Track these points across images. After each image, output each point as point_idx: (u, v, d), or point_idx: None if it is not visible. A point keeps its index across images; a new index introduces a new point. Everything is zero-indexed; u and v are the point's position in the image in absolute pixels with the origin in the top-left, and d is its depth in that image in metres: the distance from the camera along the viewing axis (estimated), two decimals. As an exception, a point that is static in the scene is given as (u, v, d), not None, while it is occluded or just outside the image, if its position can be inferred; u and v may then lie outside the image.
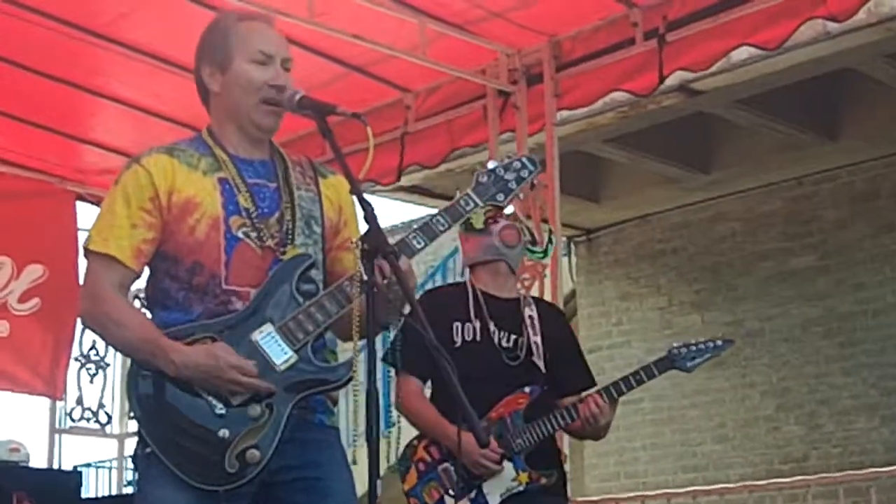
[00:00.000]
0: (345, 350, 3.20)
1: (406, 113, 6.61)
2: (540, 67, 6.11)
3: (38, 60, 6.17)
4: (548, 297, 5.55)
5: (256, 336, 3.03)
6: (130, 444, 3.19)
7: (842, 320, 10.44)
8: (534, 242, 4.72)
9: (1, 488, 6.16)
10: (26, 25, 5.78)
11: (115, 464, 9.63)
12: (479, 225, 4.44)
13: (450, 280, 12.18)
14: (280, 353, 3.02)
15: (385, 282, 2.89)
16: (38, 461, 7.20)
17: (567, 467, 4.64)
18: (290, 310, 3.06)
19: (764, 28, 5.47)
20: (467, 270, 4.59)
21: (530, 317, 4.45)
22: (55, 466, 7.78)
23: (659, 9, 5.74)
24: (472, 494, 4.25)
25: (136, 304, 3.88)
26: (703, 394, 11.02)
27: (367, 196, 2.96)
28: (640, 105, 8.70)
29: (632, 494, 9.89)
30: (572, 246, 12.10)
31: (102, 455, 15.28)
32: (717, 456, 10.99)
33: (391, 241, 2.93)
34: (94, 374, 7.86)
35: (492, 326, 4.39)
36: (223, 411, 2.99)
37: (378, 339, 2.88)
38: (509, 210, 4.37)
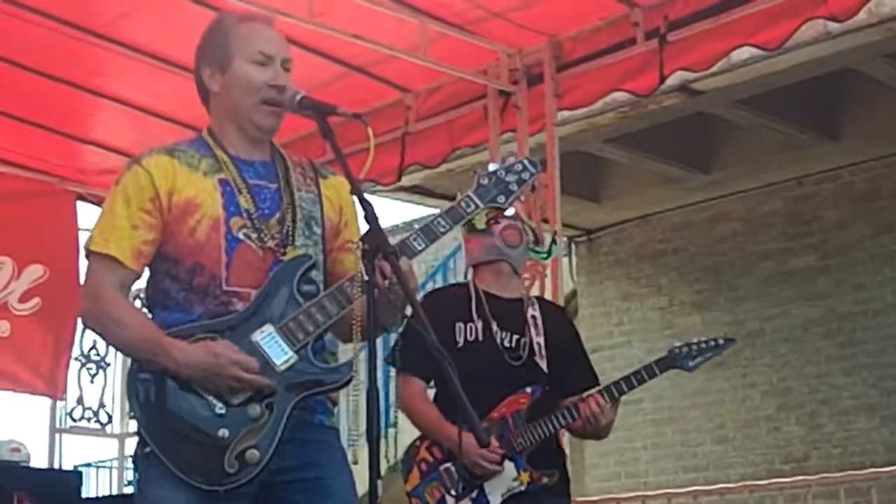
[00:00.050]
0: (345, 350, 3.21)
1: (407, 113, 6.60)
2: (541, 67, 6.11)
3: (38, 60, 6.17)
4: (548, 297, 5.55)
5: (257, 336, 3.03)
6: (131, 444, 3.19)
7: (842, 320, 10.44)
8: (537, 242, 4.72)
9: (2, 488, 6.16)
10: (27, 25, 5.78)
11: (115, 464, 9.62)
12: (481, 225, 4.45)
13: (451, 280, 12.18)
14: (280, 354, 3.02)
15: (386, 282, 2.89)
16: (38, 461, 7.21)
17: (567, 467, 4.63)
18: (290, 310, 3.06)
19: (765, 28, 5.47)
20: (471, 271, 4.60)
21: (533, 317, 4.45)
22: (56, 466, 7.78)
23: (660, 9, 5.74)
24: (474, 494, 4.26)
25: (137, 304, 3.87)
26: (703, 394, 11.02)
27: (367, 196, 2.96)
28: (641, 105, 8.69)
29: (633, 494, 9.89)
30: (573, 246, 12.10)
31: (103, 455, 15.30)
32: (717, 456, 10.98)
33: (392, 241, 2.93)
34: (95, 374, 7.86)
35: (494, 327, 4.39)
36: (223, 411, 2.99)
37: (379, 340, 2.88)
38: (510, 212, 4.37)
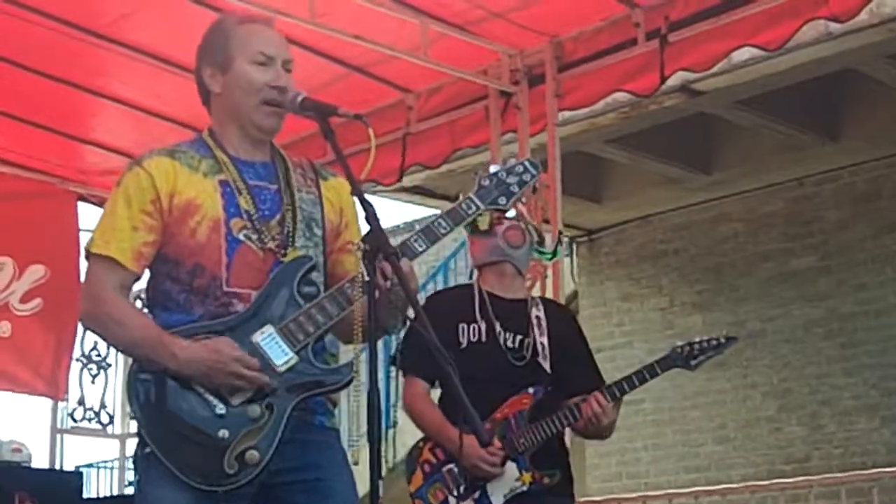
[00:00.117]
0: (346, 351, 3.21)
1: (408, 114, 6.60)
2: (542, 68, 6.11)
3: (39, 61, 6.17)
4: (549, 297, 5.54)
5: (257, 337, 3.03)
6: (132, 445, 3.19)
7: (843, 321, 10.43)
8: (541, 243, 4.72)
9: (3, 489, 6.16)
10: (27, 26, 5.78)
11: (116, 464, 9.62)
12: (484, 227, 4.45)
13: (451, 281, 12.20)
14: (280, 355, 3.03)
15: (387, 283, 2.89)
16: (39, 461, 7.20)
17: (571, 467, 4.63)
18: (290, 312, 3.06)
19: (765, 29, 5.47)
20: (475, 272, 4.60)
21: (537, 317, 4.45)
22: (57, 467, 7.79)
23: (661, 9, 5.73)
24: (476, 495, 4.26)
25: (138, 304, 3.87)
26: (704, 394, 11.02)
27: (368, 197, 2.96)
28: (642, 105, 8.70)
29: (634, 495, 9.89)
30: (574, 246, 12.10)
31: (104, 455, 15.30)
32: (718, 457, 10.98)
33: (393, 242, 2.93)
34: (96, 375, 7.87)
35: (498, 327, 4.39)
36: (223, 411, 2.99)
37: (379, 342, 2.88)
38: (511, 213, 4.37)
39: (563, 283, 6.14)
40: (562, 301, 5.99)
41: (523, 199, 3.39)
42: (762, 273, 10.96)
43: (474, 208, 3.23)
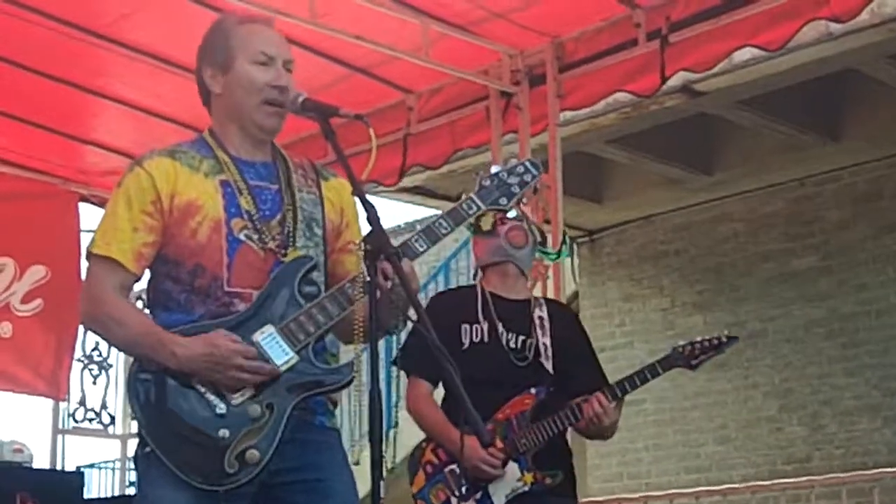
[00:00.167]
0: (346, 351, 3.20)
1: (409, 114, 6.60)
2: (543, 68, 6.11)
3: (39, 61, 6.17)
4: (551, 297, 5.54)
5: (258, 337, 3.03)
6: (133, 445, 3.19)
7: (844, 321, 10.43)
8: (544, 243, 4.72)
9: (4, 489, 6.16)
10: (28, 26, 5.78)
11: (117, 464, 9.61)
12: (487, 227, 4.45)
13: (452, 281, 12.19)
14: (281, 354, 3.03)
15: (388, 283, 2.89)
16: (41, 462, 7.20)
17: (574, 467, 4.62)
18: (291, 311, 3.06)
19: (766, 29, 5.47)
20: (479, 273, 4.60)
21: (540, 318, 4.45)
22: (58, 467, 7.78)
23: (661, 10, 5.73)
24: (478, 495, 4.26)
25: (139, 305, 3.87)
26: (705, 395, 11.01)
27: (369, 197, 2.96)
28: (643, 106, 8.70)
29: (636, 495, 9.88)
30: (575, 247, 12.09)
31: (105, 456, 15.29)
32: (719, 457, 10.98)
33: (394, 242, 2.93)
34: (97, 375, 7.87)
35: (500, 328, 4.39)
36: (223, 411, 2.99)
37: (380, 342, 2.88)
38: (512, 214, 4.37)
39: (564, 284, 6.13)
40: (563, 301, 5.98)
41: (524, 200, 3.38)
42: (763, 273, 10.96)
43: (475, 209, 3.24)
